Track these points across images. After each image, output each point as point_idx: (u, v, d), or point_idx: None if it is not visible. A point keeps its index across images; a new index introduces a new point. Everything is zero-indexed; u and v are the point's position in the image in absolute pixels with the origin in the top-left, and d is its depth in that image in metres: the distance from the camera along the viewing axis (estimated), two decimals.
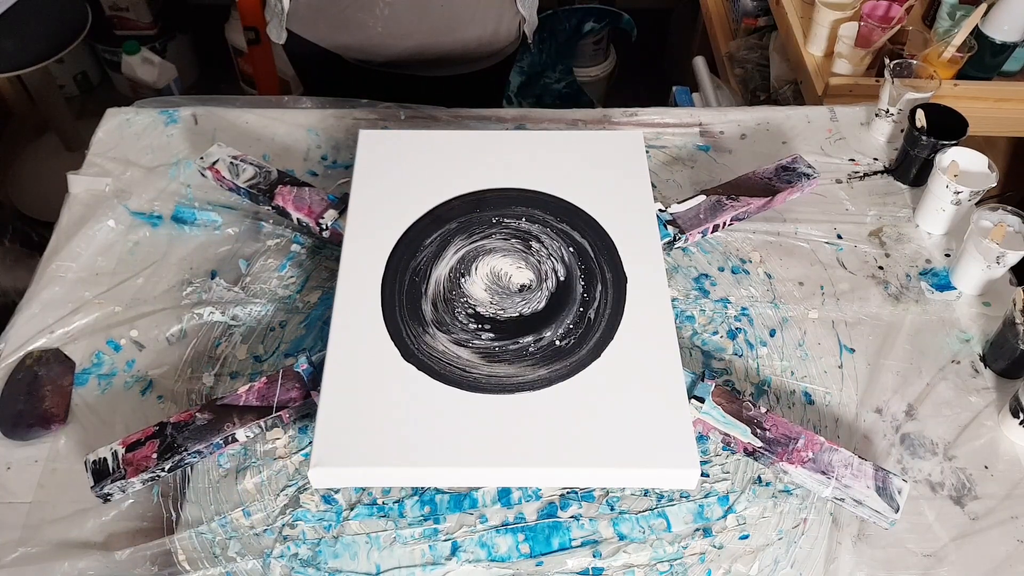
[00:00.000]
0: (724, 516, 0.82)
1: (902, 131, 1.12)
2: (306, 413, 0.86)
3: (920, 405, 0.91)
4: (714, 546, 0.81)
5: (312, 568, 0.79)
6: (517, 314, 0.88)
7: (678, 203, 1.02)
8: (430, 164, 1.00)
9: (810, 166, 1.07)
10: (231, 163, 1.05)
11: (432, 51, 1.27)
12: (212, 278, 1.00)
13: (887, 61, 1.15)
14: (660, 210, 1.01)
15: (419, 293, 0.89)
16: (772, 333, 0.97)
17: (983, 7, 1.34)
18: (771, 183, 1.05)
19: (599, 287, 0.90)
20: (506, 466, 0.77)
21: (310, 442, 0.81)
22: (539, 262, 0.92)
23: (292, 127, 1.17)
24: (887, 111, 1.16)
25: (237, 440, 0.83)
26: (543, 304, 0.89)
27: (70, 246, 1.03)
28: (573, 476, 0.80)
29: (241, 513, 0.82)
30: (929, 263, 1.04)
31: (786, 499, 0.84)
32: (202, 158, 1.05)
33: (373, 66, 1.28)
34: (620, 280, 0.90)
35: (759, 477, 0.85)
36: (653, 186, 1.00)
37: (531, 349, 0.85)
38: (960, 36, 1.31)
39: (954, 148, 1.04)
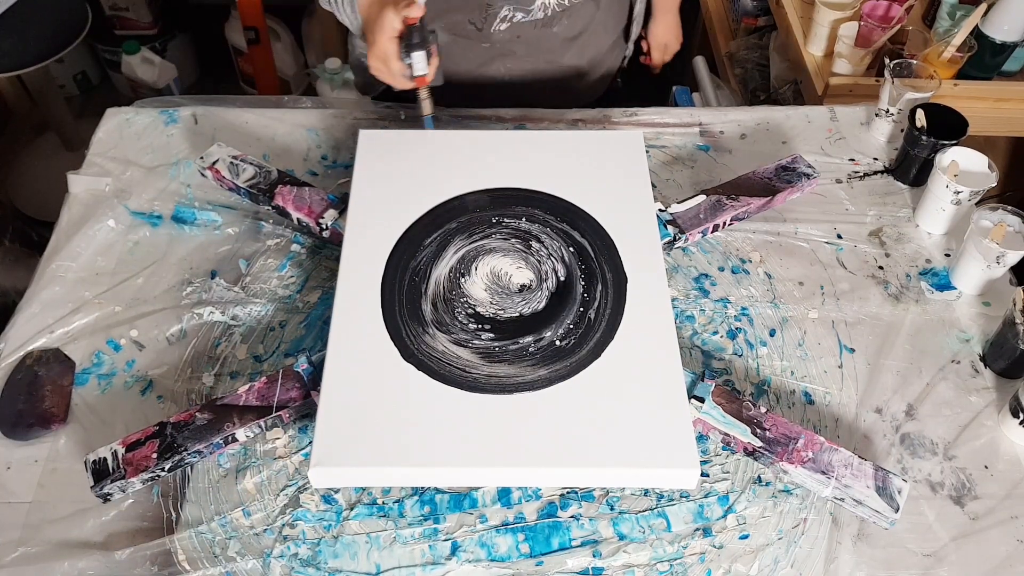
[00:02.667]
0: (724, 516, 0.82)
1: (902, 131, 1.12)
2: (306, 413, 0.86)
3: (920, 405, 0.91)
4: (714, 546, 0.81)
5: (312, 568, 0.79)
6: (517, 314, 0.88)
7: (678, 203, 1.02)
8: (430, 164, 1.00)
9: (810, 166, 1.07)
10: (231, 163, 1.05)
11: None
12: (212, 278, 1.00)
13: (887, 61, 1.15)
14: (660, 210, 1.01)
15: (419, 293, 0.89)
16: (772, 333, 0.97)
17: (983, 7, 1.34)
18: (771, 183, 1.05)
19: (599, 287, 0.90)
20: (506, 466, 0.77)
21: (310, 442, 0.81)
22: (539, 262, 0.92)
23: (292, 127, 1.17)
24: (887, 111, 1.16)
25: (237, 440, 0.83)
26: (543, 304, 0.89)
27: (70, 246, 1.03)
28: (573, 476, 0.80)
29: (241, 513, 0.82)
30: (929, 263, 1.04)
31: (786, 499, 0.84)
32: (202, 158, 1.05)
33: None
34: (620, 280, 0.90)
35: (759, 477, 0.85)
36: (653, 186, 1.00)
37: (531, 349, 0.85)
38: (960, 36, 1.31)
39: (954, 148, 1.04)
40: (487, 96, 1.20)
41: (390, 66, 0.96)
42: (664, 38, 1.39)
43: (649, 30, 1.38)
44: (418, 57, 0.95)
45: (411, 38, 0.94)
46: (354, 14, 1.06)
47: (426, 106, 1.02)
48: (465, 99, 1.19)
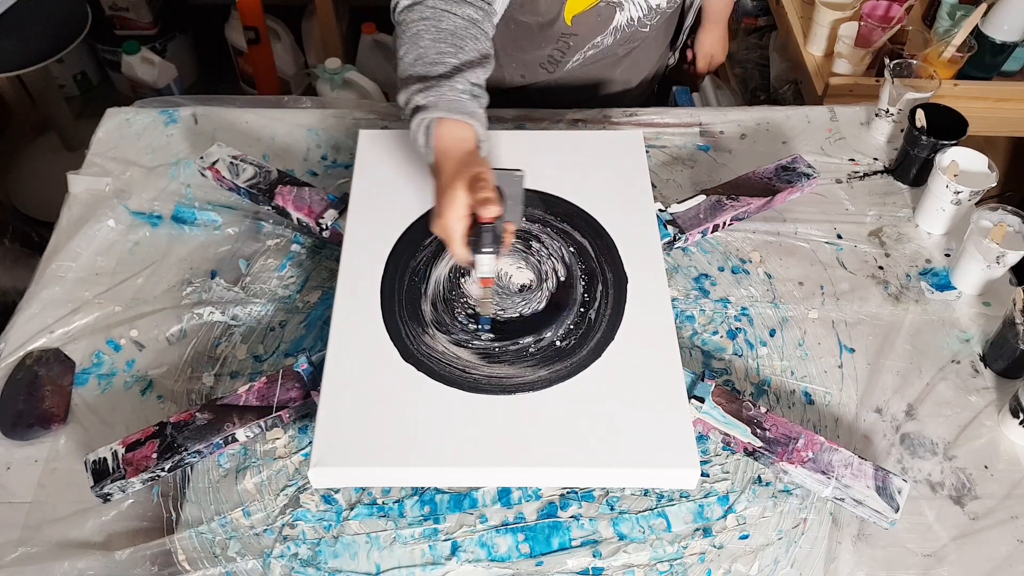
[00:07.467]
0: (724, 516, 0.82)
1: (902, 131, 1.12)
2: (306, 413, 0.86)
3: (920, 405, 0.91)
4: (714, 546, 0.81)
5: (312, 568, 0.79)
6: (517, 314, 0.88)
7: (678, 203, 1.02)
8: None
9: (810, 166, 1.07)
10: (231, 163, 1.05)
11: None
12: (212, 278, 1.00)
13: (887, 61, 1.15)
14: (660, 210, 1.01)
15: (419, 293, 0.89)
16: (772, 333, 0.97)
17: (983, 7, 1.34)
18: (771, 183, 1.05)
19: (599, 287, 0.90)
20: (506, 466, 0.77)
21: (310, 442, 0.81)
22: (539, 262, 0.92)
23: (292, 127, 1.17)
24: (887, 111, 1.16)
25: (237, 440, 0.83)
26: (543, 304, 0.89)
27: (70, 246, 1.03)
28: (573, 476, 0.80)
29: (241, 513, 0.82)
30: (929, 263, 1.04)
31: (786, 499, 0.84)
32: (202, 158, 1.05)
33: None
34: (620, 280, 0.90)
35: (759, 477, 0.85)
36: (653, 186, 1.00)
37: (531, 350, 0.85)
38: (960, 36, 1.31)
39: (954, 148, 1.04)
40: (522, 97, 1.19)
41: (453, 247, 0.83)
42: (711, 48, 1.38)
43: (697, 39, 1.37)
44: (486, 260, 0.82)
45: (482, 237, 0.81)
46: (428, 147, 0.88)
47: (487, 307, 0.86)
48: (501, 100, 1.17)
